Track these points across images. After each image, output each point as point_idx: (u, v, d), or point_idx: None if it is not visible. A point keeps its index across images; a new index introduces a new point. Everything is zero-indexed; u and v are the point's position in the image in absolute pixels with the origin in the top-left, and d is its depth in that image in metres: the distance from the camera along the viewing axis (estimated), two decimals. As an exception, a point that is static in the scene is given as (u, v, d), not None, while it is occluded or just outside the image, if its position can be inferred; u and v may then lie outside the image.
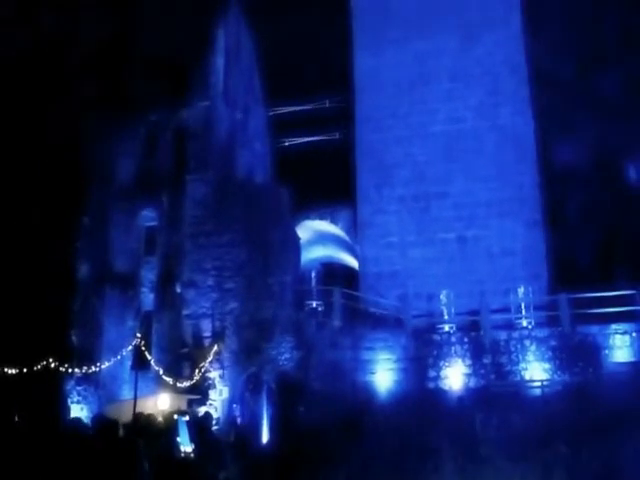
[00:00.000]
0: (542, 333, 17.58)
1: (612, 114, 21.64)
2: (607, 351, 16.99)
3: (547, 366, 17.16)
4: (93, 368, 19.17)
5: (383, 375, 17.56)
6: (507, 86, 21.71)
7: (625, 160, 21.57)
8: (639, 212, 20.70)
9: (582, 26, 22.36)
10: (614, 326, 17.12)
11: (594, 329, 17.19)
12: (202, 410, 17.25)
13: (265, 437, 19.33)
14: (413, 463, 14.38)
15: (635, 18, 21.84)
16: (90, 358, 19.68)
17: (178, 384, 17.90)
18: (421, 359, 17.65)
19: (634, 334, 17.04)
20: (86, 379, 19.49)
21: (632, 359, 16.78)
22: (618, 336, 17.08)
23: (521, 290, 19.30)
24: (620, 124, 21.51)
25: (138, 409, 15.18)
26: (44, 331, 21.85)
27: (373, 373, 17.68)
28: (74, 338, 20.39)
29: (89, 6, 28.31)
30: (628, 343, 17.01)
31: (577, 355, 17.03)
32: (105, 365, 19.23)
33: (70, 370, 18.93)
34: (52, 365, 17.12)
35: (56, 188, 25.42)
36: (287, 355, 17.98)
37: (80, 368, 19.15)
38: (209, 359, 18.27)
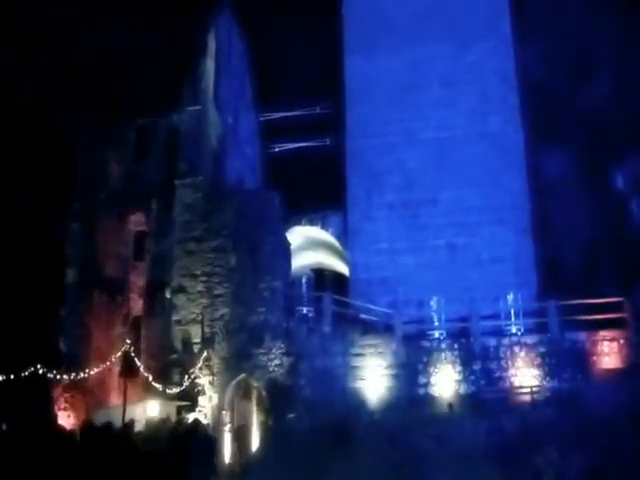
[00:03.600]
0: (531, 339, 17.66)
1: (600, 123, 21.85)
2: (595, 357, 17.11)
3: (536, 372, 17.24)
4: (81, 374, 18.97)
5: (373, 381, 17.55)
6: (497, 94, 21.88)
7: (613, 168, 21.76)
8: (627, 220, 20.89)
9: (571, 35, 22.58)
10: (602, 333, 17.25)
11: (583, 336, 17.30)
12: (191, 417, 17.13)
13: (255, 443, 19.28)
14: (404, 469, 14.37)
15: (624, 27, 22.09)
16: (78, 364, 19.44)
17: (167, 390, 17.76)
18: (411, 365, 17.66)
19: (622, 341, 17.17)
20: (74, 386, 19.27)
21: (620, 366, 16.89)
22: (606, 343, 17.21)
23: (510, 297, 19.39)
24: (608, 133, 21.71)
25: (127, 416, 15.08)
26: (31, 337, 21.62)
27: (363, 379, 17.65)
28: (62, 344, 20.15)
29: (84, 9, 28.20)
30: (616, 350, 17.14)
31: (566, 361, 17.14)
32: (93, 371, 19.04)
33: (57, 376, 18.71)
34: (39, 371, 16.91)
35: (44, 193, 25.22)
36: (277, 361, 17.91)
37: (68, 374, 18.92)
38: (199, 365, 18.16)
